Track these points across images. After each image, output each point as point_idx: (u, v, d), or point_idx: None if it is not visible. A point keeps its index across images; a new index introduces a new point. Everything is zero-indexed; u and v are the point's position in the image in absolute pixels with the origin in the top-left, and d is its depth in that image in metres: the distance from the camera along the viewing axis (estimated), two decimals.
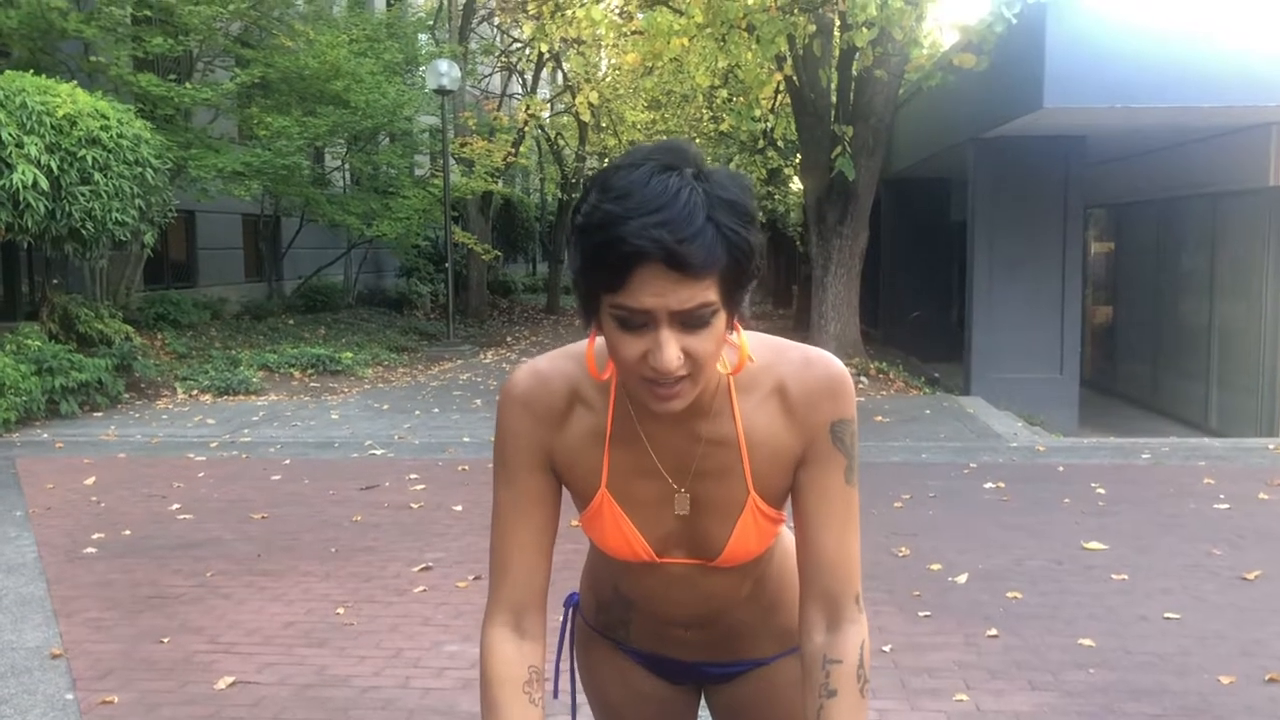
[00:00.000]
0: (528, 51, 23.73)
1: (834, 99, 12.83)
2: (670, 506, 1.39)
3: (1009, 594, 4.51)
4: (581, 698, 1.75)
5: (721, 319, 1.19)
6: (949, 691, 3.55)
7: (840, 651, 1.33)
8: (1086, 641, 3.95)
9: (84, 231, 9.72)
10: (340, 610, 4.41)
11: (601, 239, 1.13)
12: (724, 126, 18.29)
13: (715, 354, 1.21)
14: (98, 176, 9.71)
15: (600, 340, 1.30)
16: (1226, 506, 5.98)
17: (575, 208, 1.20)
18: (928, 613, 4.30)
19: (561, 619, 1.70)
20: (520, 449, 1.38)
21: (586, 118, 21.68)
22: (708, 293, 1.14)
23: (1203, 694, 3.51)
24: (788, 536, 1.56)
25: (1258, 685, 3.58)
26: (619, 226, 1.12)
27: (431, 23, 21.20)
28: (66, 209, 9.52)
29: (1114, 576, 4.73)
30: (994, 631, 4.08)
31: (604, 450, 1.36)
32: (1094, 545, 5.22)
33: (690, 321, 1.16)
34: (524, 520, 1.39)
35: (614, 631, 1.62)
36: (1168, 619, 4.20)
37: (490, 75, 27.00)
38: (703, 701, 1.72)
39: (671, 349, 1.16)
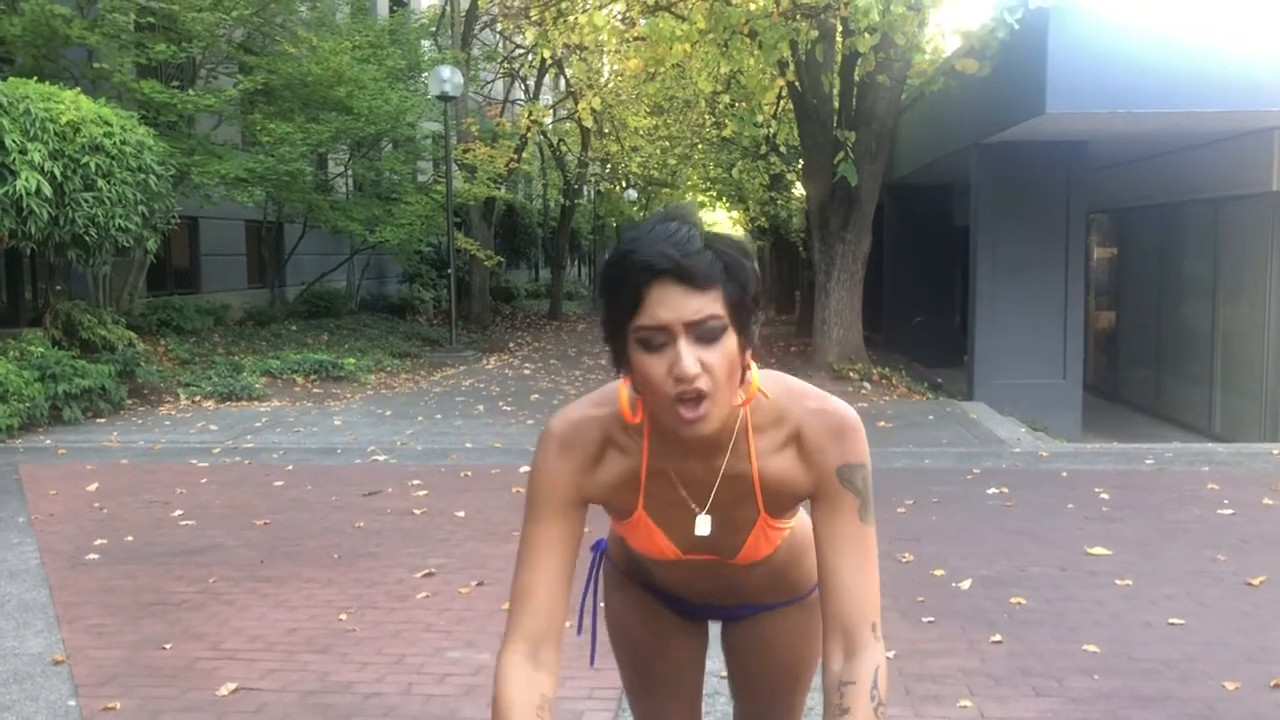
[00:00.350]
0: (530, 58, 23.78)
1: (836, 104, 12.84)
2: (694, 524, 1.55)
3: (1013, 600, 4.50)
4: (602, 634, 1.90)
5: (732, 339, 1.34)
6: (953, 698, 3.54)
7: (854, 674, 1.42)
8: (1091, 648, 3.94)
9: (87, 238, 9.73)
10: (343, 616, 4.40)
11: (619, 270, 1.34)
12: (726, 132, 18.32)
13: (730, 372, 1.35)
14: (101, 183, 9.72)
15: (629, 391, 1.47)
16: (1231, 512, 5.96)
17: (601, 272, 1.42)
18: (931, 619, 4.29)
19: (590, 562, 1.86)
20: (553, 491, 1.51)
21: (589, 123, 21.73)
22: (715, 305, 1.32)
23: (1208, 700, 3.49)
24: (803, 516, 1.72)
25: (1264, 691, 3.56)
26: (634, 255, 1.32)
27: (434, 29, 21.24)
28: (70, 215, 9.53)
29: (1118, 582, 4.72)
30: (998, 637, 4.07)
31: (640, 487, 1.53)
32: (1098, 551, 5.20)
33: (703, 334, 1.32)
34: (548, 557, 1.50)
35: (639, 576, 1.82)
36: (1172, 625, 4.18)
37: (493, 81, 27.06)
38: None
39: (689, 356, 1.31)
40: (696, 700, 1.92)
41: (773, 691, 1.86)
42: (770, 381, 1.50)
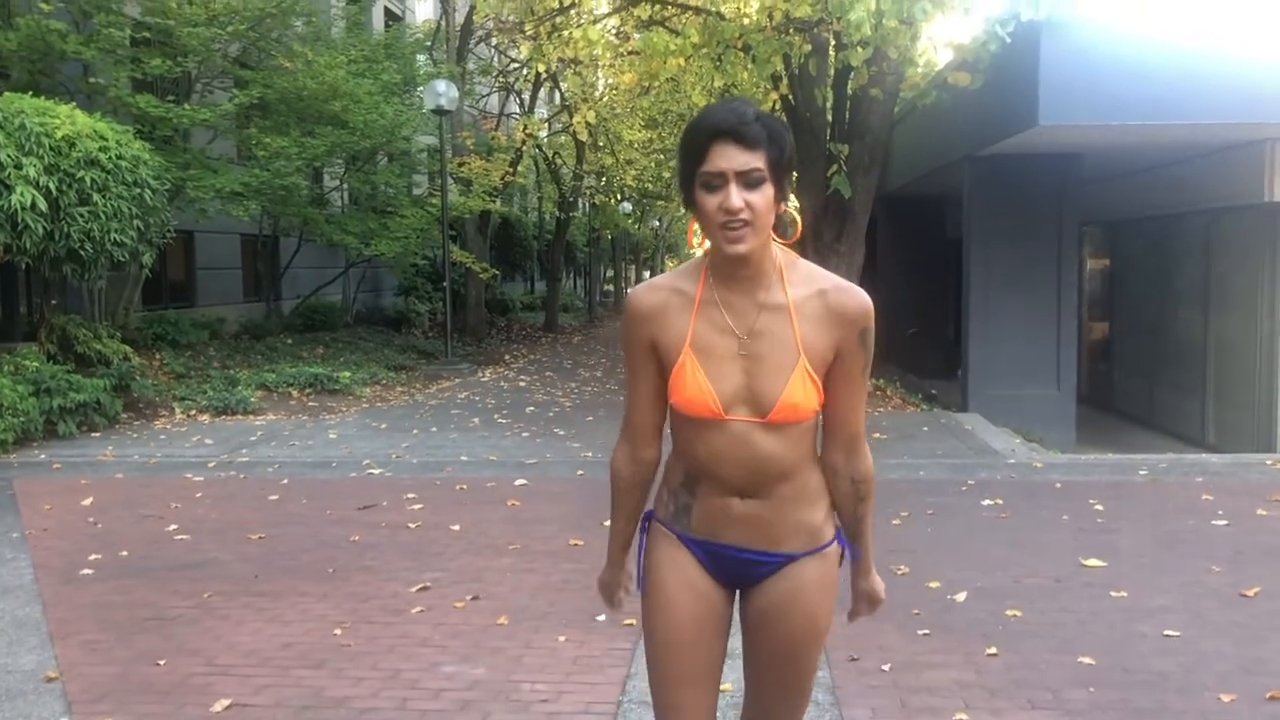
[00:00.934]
0: (525, 72, 23.83)
1: (830, 117, 12.88)
2: (737, 363, 1.93)
3: (1008, 612, 4.50)
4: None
5: (769, 189, 1.83)
6: (949, 710, 3.54)
7: (859, 472, 2.05)
8: (1086, 660, 3.95)
9: (82, 252, 9.73)
10: (338, 631, 4.39)
11: (693, 134, 1.86)
12: None
13: (765, 211, 1.83)
14: (96, 197, 9.72)
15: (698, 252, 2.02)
16: (1225, 523, 5.97)
17: (681, 135, 1.94)
18: (927, 631, 4.29)
19: (639, 530, 2.18)
20: (636, 341, 2.01)
21: (584, 137, 21.76)
22: (758, 161, 1.81)
23: (1204, 712, 3.50)
24: (816, 470, 2.07)
25: (1259, 703, 3.57)
26: (704, 121, 1.85)
27: (429, 43, 21.29)
28: (65, 230, 9.53)
29: (1113, 594, 4.73)
30: (993, 650, 4.07)
31: (692, 315, 1.96)
32: (1093, 562, 5.21)
33: (749, 181, 1.81)
34: (641, 386, 2.04)
35: (679, 521, 2.07)
36: (1168, 637, 4.19)
37: (488, 95, 27.11)
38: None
39: (736, 196, 1.81)
40: (715, 677, 2.09)
41: (791, 653, 2.04)
42: (804, 260, 2.00)
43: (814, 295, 1.94)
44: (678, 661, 2.03)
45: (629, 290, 2.05)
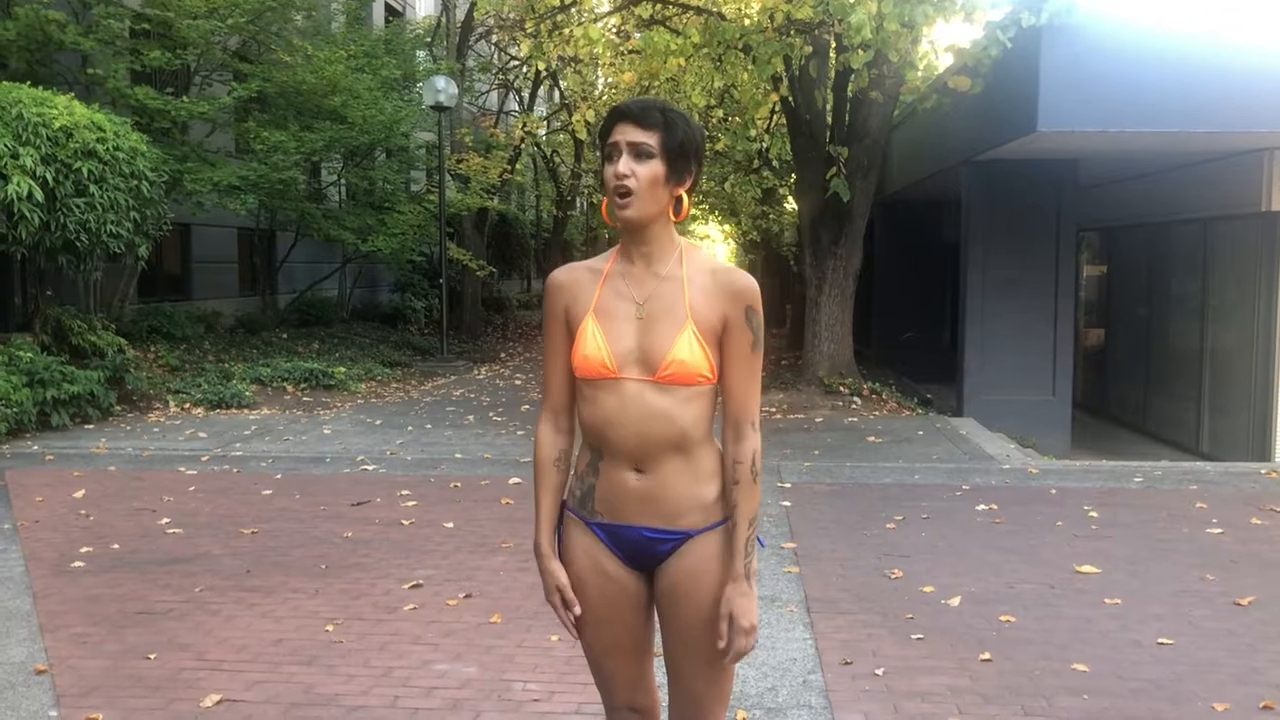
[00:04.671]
0: (525, 69, 23.81)
1: (829, 120, 12.88)
2: (633, 325, 2.10)
3: (1002, 617, 4.49)
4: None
5: (658, 165, 2.06)
6: (942, 716, 3.53)
7: (740, 455, 2.11)
8: (1080, 667, 3.94)
9: (78, 244, 9.69)
10: (329, 628, 4.37)
11: (605, 119, 2.12)
12: (720, 146, 18.34)
13: (651, 184, 2.06)
14: (93, 189, 9.69)
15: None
16: (1219, 531, 5.97)
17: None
18: (920, 635, 4.28)
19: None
20: (554, 314, 2.20)
21: (583, 136, 21.73)
22: (649, 139, 2.05)
23: None
24: (712, 449, 2.17)
25: (1253, 713, 3.56)
26: (614, 109, 2.11)
27: (429, 40, 21.25)
28: (61, 221, 9.49)
29: (1107, 601, 4.72)
30: (987, 655, 4.06)
31: (599, 285, 2.16)
32: (1087, 569, 5.20)
33: (638, 153, 2.06)
34: (558, 360, 2.21)
35: (585, 505, 2.20)
36: (1161, 645, 4.18)
37: (487, 92, 27.08)
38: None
39: (624, 163, 2.06)
40: (640, 647, 2.25)
41: (705, 630, 2.12)
42: (702, 251, 2.20)
43: (705, 272, 2.12)
44: (597, 635, 2.22)
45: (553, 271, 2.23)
